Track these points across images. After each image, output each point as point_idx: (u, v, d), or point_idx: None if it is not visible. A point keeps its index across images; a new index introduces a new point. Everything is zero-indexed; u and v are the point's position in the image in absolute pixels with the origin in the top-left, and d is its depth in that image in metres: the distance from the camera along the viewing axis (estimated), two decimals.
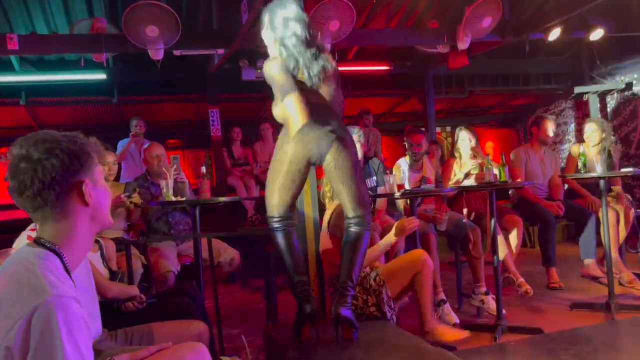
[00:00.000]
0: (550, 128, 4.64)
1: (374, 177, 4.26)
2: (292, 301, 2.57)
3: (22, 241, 2.30)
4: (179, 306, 2.55)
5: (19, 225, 2.45)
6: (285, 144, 2.45)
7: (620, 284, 4.28)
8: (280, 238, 2.56)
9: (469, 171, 4.31)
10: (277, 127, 7.05)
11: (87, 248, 1.41)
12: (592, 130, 4.70)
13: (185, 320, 2.29)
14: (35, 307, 1.14)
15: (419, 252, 2.99)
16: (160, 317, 2.30)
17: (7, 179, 1.30)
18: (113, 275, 2.71)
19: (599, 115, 8.35)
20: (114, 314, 2.43)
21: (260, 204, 6.58)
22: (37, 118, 7.74)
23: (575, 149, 4.84)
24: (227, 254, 3.93)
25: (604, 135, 4.69)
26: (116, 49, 5.28)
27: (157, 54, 4.96)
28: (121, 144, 6.11)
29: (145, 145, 4.64)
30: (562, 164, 5.84)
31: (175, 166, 4.00)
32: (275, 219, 2.55)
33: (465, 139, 4.41)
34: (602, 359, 2.78)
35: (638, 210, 4.65)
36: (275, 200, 2.53)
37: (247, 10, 4.77)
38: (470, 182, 4.28)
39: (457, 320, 3.45)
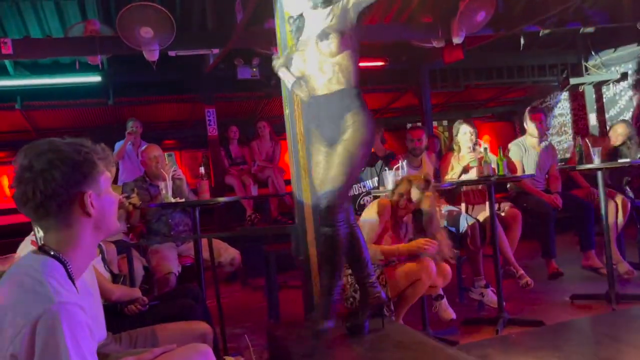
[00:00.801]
0: (535, 121, 4.66)
1: (376, 178, 4.31)
2: (294, 299, 2.58)
3: (26, 246, 2.30)
4: (181, 307, 2.55)
5: (23, 230, 2.44)
6: (365, 128, 2.40)
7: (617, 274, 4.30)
8: (344, 237, 2.44)
9: (468, 164, 4.31)
10: (274, 125, 6.95)
11: (92, 256, 1.41)
12: (620, 133, 4.75)
13: (189, 322, 2.29)
14: (40, 314, 1.14)
15: (426, 260, 3.02)
16: (163, 319, 2.30)
17: (13, 187, 1.30)
18: (115, 278, 2.71)
19: (595, 107, 8.38)
20: (117, 317, 2.43)
21: (259, 203, 6.59)
22: (33, 122, 7.73)
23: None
24: (228, 253, 3.93)
25: (630, 142, 4.73)
26: (111, 50, 5.28)
27: (152, 55, 4.95)
28: (118, 145, 6.10)
29: (143, 147, 4.64)
30: (561, 156, 5.85)
31: (171, 164, 4.01)
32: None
33: (466, 132, 4.41)
34: (603, 350, 2.79)
35: (637, 201, 4.66)
36: (347, 195, 2.46)
37: (241, 9, 4.77)
38: (469, 176, 4.28)
39: (454, 316, 3.46)
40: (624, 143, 4.75)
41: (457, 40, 5.56)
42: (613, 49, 8.00)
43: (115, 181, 4.68)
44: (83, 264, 1.37)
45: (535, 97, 9.75)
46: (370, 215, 3.16)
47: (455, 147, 4.52)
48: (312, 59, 2.45)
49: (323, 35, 2.38)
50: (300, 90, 2.69)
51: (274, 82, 6.51)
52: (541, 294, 4.16)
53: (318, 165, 2.58)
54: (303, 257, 3.13)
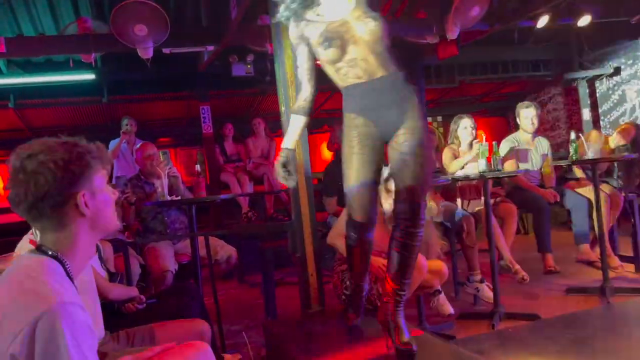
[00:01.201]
0: (527, 116, 4.68)
1: None
2: (290, 296, 2.58)
3: (24, 245, 2.30)
4: (179, 305, 2.56)
5: (21, 229, 2.43)
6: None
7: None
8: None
9: (478, 153, 4.29)
10: (269, 122, 6.93)
11: (90, 255, 1.41)
12: (628, 134, 4.79)
13: (187, 320, 2.30)
14: (40, 314, 1.14)
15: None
16: (161, 317, 2.31)
17: (8, 189, 1.30)
18: (112, 277, 2.71)
19: (588, 102, 8.42)
20: (114, 315, 2.43)
21: (255, 200, 6.59)
22: (27, 120, 7.69)
23: (595, 135, 4.88)
24: (225, 251, 3.94)
25: (632, 145, 4.76)
26: (105, 48, 5.26)
27: (146, 52, 4.94)
28: (113, 144, 6.09)
29: (137, 145, 4.63)
30: (554, 151, 5.86)
31: (166, 162, 4.01)
32: None
33: (467, 127, 4.44)
34: (598, 342, 2.81)
35: (629, 194, 4.69)
36: None
37: (235, 6, 4.76)
38: (465, 171, 4.28)
39: (452, 311, 3.45)
40: (625, 145, 4.76)
41: (451, 36, 5.57)
42: (606, 44, 8.02)
43: (110, 179, 4.67)
44: (81, 263, 1.37)
45: (529, 92, 9.77)
46: None
47: (455, 141, 4.54)
48: (357, 42, 2.21)
49: (369, 17, 2.22)
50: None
51: (269, 79, 6.51)
52: (537, 287, 4.18)
53: (357, 169, 2.25)
54: (299, 254, 3.15)
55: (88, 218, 1.33)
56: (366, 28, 2.18)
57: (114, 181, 5.23)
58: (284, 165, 2.30)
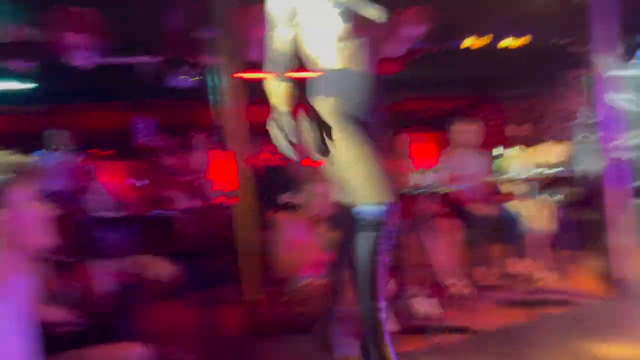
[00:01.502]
0: (465, 132, 4.84)
1: None
2: (231, 314, 2.54)
3: None
4: (115, 327, 2.48)
5: None
6: None
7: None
8: None
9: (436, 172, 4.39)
10: (209, 135, 6.77)
11: (10, 274, 1.34)
12: (555, 152, 4.98)
13: (123, 343, 2.23)
14: None
15: None
16: (96, 340, 2.23)
17: None
18: (46, 299, 2.59)
19: (521, 118, 8.78)
20: (49, 339, 2.33)
21: (193, 214, 6.46)
22: None
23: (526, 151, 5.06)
24: (162, 269, 3.83)
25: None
26: (40, 56, 5.09)
27: (83, 61, 4.80)
28: (43, 156, 5.83)
29: (70, 158, 4.48)
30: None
31: (94, 177, 3.92)
32: None
33: (405, 142, 4.59)
34: (531, 354, 2.92)
35: (562, 208, 4.89)
36: None
37: (174, 16, 4.72)
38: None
39: (397, 327, 3.48)
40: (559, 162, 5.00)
41: (393, 53, 5.69)
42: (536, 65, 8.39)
43: (40, 194, 4.49)
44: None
45: (466, 108, 10.07)
46: None
47: (398, 156, 4.67)
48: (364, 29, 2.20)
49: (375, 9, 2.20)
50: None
51: (208, 91, 6.44)
52: (472, 301, 4.28)
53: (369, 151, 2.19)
54: (243, 271, 3.12)
55: (3, 235, 1.28)
56: (371, 18, 2.17)
57: (42, 195, 5.02)
58: (281, 128, 2.16)
